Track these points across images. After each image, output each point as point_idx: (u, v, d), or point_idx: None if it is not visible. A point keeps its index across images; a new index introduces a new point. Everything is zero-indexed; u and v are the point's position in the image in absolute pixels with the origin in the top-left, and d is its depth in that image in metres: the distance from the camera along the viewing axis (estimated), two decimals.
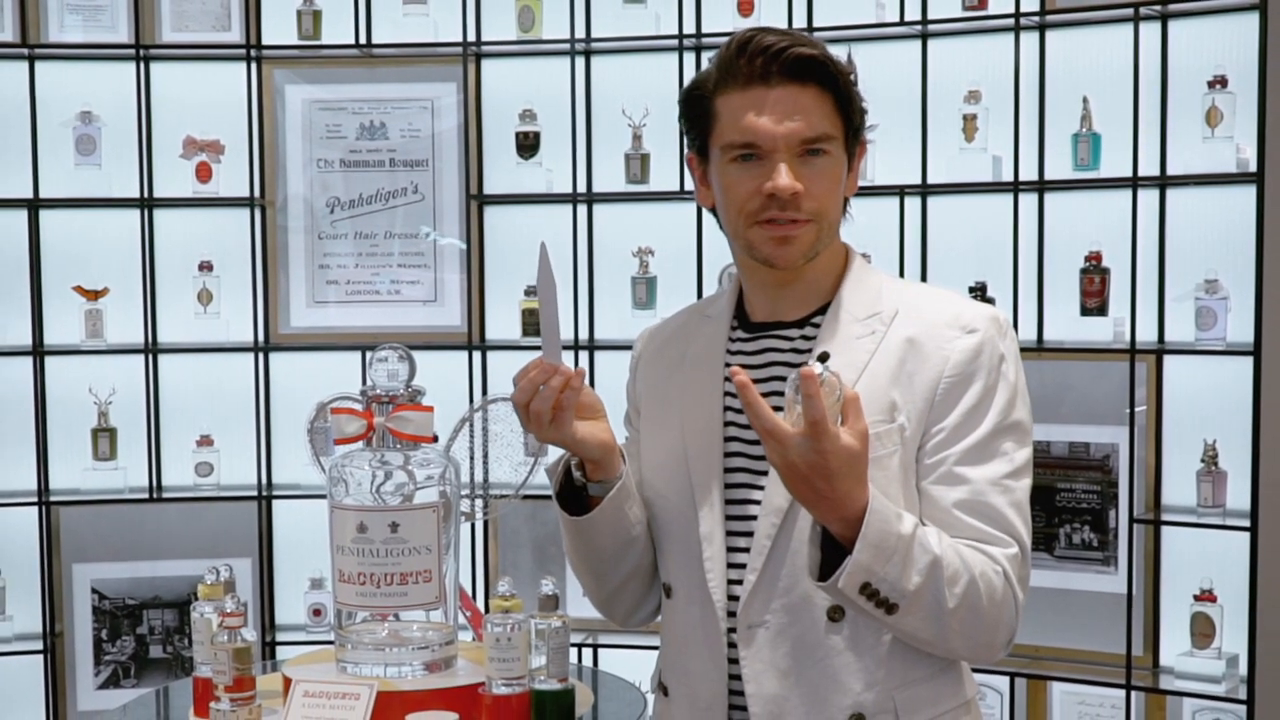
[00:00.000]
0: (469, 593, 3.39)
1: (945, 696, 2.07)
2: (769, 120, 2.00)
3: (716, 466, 2.07)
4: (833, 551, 1.90)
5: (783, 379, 2.04)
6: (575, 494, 2.15)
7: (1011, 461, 2.01)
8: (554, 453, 2.59)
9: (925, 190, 4.28)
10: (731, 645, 2.05)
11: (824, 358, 2.02)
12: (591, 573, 2.20)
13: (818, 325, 2.08)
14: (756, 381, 2.04)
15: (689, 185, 3.86)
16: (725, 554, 2.06)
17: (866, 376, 2.01)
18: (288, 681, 2.59)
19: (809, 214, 2.01)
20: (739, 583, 2.05)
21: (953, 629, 1.94)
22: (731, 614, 2.05)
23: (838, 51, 2.10)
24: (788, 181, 1.98)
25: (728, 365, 2.10)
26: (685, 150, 2.18)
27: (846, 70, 2.06)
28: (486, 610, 2.67)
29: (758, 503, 2.02)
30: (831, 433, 1.80)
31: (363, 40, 4.59)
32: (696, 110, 2.08)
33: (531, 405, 2.03)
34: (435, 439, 2.78)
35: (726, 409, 2.10)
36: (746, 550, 2.04)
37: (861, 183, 4.30)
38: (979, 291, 4.19)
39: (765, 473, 2.02)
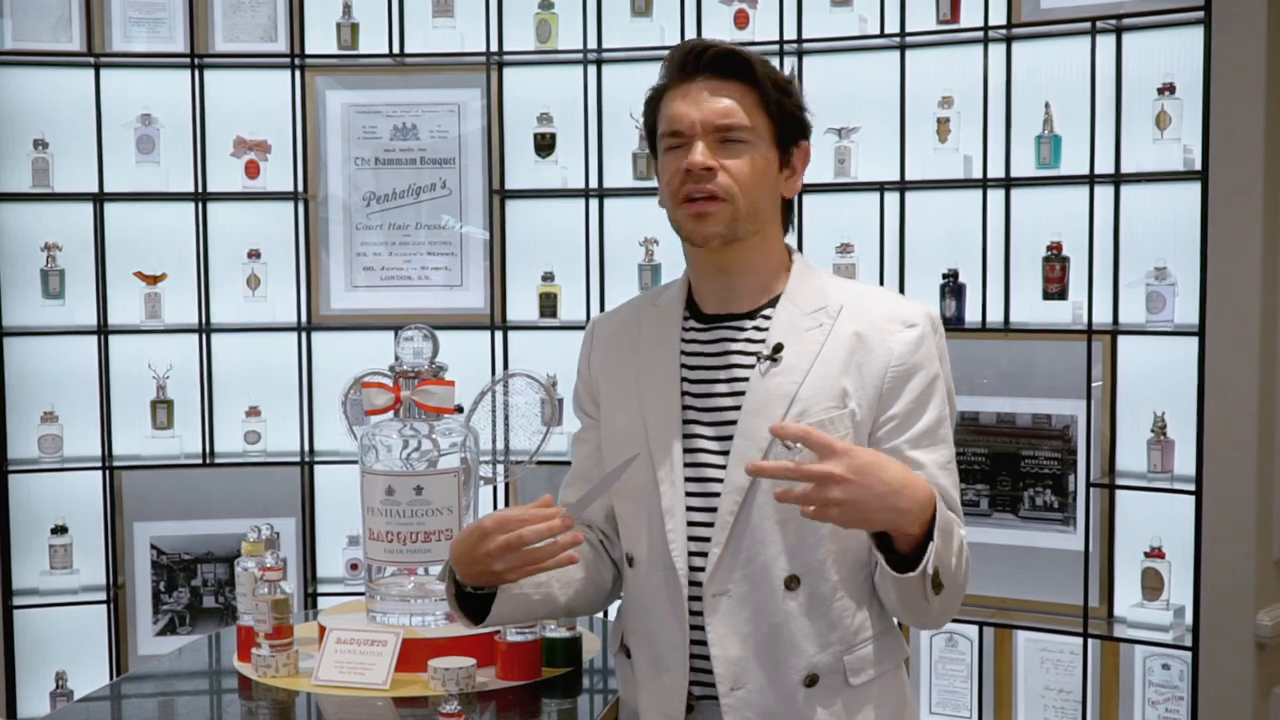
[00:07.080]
0: None
1: (885, 657, 2.07)
2: (689, 107, 2.00)
3: (677, 446, 2.03)
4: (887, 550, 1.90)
5: (739, 365, 2.04)
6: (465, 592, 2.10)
7: (949, 446, 2.03)
8: (569, 421, 2.57)
9: (903, 186, 4.25)
10: (693, 612, 2.02)
11: (778, 348, 2.01)
12: (533, 620, 2.21)
13: (768, 317, 2.06)
14: (715, 368, 2.06)
15: None
16: (686, 527, 2.02)
17: (819, 365, 1.99)
18: (322, 630, 2.60)
19: (721, 191, 1.98)
20: (699, 554, 2.02)
21: (953, 604, 1.97)
22: (693, 582, 2.02)
23: (787, 66, 2.07)
24: (699, 158, 1.97)
25: (683, 353, 2.08)
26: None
27: (778, 75, 2.05)
28: None
29: (717, 480, 2.00)
30: (841, 445, 1.80)
31: (396, 50, 4.57)
32: (649, 113, 2.10)
33: (525, 545, 1.94)
34: (460, 409, 2.77)
35: (685, 394, 2.06)
36: (706, 525, 2.01)
37: (845, 180, 4.34)
38: (951, 278, 4.17)
39: (724, 453, 2.01)
